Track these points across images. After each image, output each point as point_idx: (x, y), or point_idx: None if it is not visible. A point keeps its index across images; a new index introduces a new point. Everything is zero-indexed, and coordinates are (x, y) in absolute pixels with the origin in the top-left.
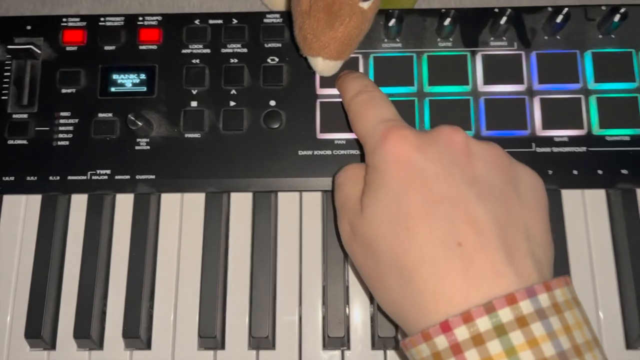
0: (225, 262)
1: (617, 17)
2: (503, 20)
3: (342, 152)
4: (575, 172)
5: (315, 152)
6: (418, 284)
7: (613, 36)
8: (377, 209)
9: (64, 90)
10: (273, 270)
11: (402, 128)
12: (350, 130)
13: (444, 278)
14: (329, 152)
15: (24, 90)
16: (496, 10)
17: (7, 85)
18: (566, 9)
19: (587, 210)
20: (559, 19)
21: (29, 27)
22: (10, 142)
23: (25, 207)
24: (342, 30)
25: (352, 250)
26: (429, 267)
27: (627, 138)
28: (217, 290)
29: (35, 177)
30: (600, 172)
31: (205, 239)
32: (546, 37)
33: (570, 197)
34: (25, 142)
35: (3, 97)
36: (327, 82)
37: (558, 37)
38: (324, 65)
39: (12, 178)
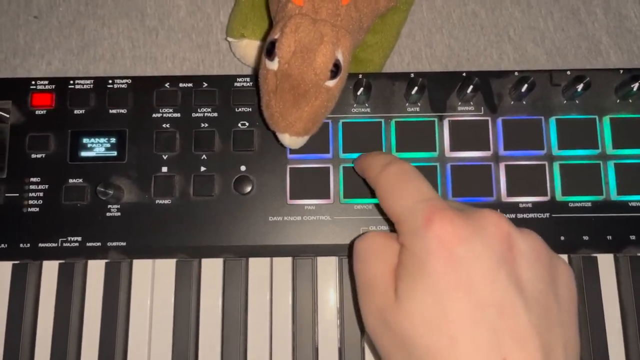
0: (197, 329)
1: (580, 86)
2: (470, 88)
3: (312, 217)
4: None
5: (286, 218)
6: None
7: (577, 102)
8: (417, 305)
9: (33, 155)
10: (244, 336)
11: (445, 210)
12: (320, 197)
13: None
14: (299, 218)
15: None
16: (464, 74)
17: None
18: (531, 79)
19: None
20: (524, 87)
21: None
22: None
23: None
24: (308, 110)
25: (379, 338)
26: None
27: (589, 204)
28: (189, 355)
29: (5, 245)
30: (562, 238)
31: (177, 306)
32: (512, 103)
33: None
34: None
35: None
36: None
37: (524, 102)
38: (291, 141)
39: None
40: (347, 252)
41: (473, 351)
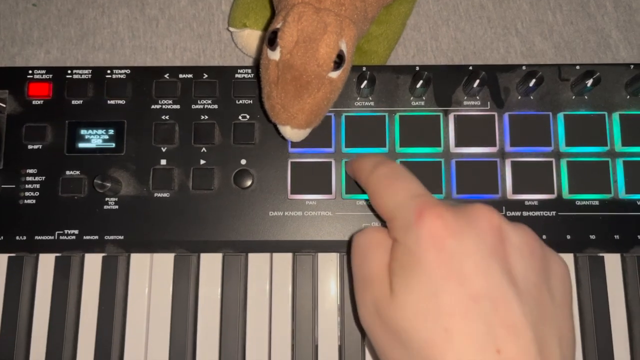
0: (195, 324)
1: (590, 82)
2: (476, 82)
3: (312, 213)
4: (544, 236)
5: (286, 213)
6: None
7: (586, 97)
8: (411, 298)
9: (30, 146)
10: (242, 332)
11: (436, 206)
12: (321, 192)
13: None
14: (299, 213)
15: None
16: (470, 68)
17: None
18: (539, 73)
19: None
20: (532, 82)
21: None
22: None
23: None
24: (311, 102)
25: (373, 331)
26: None
27: (596, 203)
28: (186, 352)
29: (1, 237)
30: (569, 236)
31: (174, 301)
32: (519, 97)
33: None
34: None
35: None
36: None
37: (531, 97)
38: (292, 133)
39: None
40: (347, 249)
41: (468, 343)
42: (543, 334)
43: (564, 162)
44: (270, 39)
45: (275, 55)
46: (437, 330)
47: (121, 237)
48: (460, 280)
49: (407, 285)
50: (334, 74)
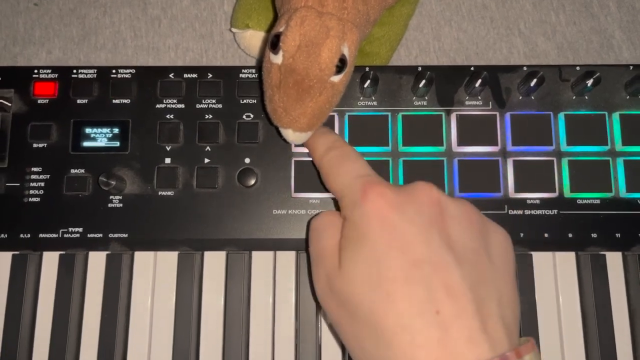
0: (198, 322)
1: (590, 82)
2: (478, 82)
3: (316, 211)
4: (546, 235)
5: (290, 212)
6: (395, 349)
7: (587, 97)
8: (356, 269)
9: (35, 145)
10: (246, 330)
11: (379, 184)
12: (325, 190)
13: (421, 346)
14: (303, 212)
15: None
16: (472, 68)
17: None
18: (540, 74)
19: (557, 273)
20: (533, 82)
21: None
22: None
23: None
24: (312, 106)
25: (326, 303)
26: (407, 335)
27: (597, 201)
28: (190, 350)
29: (5, 235)
30: (570, 235)
31: (178, 299)
32: (521, 98)
33: (541, 260)
34: None
35: None
36: None
37: (532, 97)
38: (294, 136)
39: None
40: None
41: (408, 305)
42: (481, 295)
43: (565, 161)
44: (273, 43)
45: (277, 59)
46: (379, 295)
47: (125, 235)
48: (402, 248)
49: (354, 258)
50: (336, 78)
